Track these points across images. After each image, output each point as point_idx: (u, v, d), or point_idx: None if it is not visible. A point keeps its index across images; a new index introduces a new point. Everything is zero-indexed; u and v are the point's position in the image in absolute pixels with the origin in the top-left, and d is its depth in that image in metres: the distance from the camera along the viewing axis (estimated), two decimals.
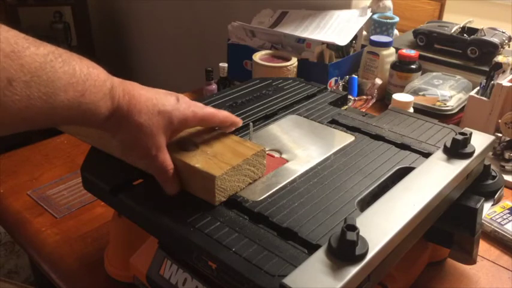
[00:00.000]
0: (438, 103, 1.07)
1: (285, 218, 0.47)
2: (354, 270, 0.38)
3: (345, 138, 0.64)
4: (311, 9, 1.33)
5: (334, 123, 0.68)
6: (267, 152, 0.58)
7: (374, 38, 1.20)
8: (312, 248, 0.43)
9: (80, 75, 0.41)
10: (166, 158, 0.50)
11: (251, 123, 0.63)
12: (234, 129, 0.58)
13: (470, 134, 0.56)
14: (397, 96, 1.00)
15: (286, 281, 0.37)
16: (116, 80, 0.46)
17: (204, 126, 0.56)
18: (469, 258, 0.63)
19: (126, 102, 0.46)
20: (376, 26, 1.32)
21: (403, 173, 0.55)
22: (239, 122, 0.57)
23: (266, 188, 0.53)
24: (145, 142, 0.48)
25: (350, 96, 1.11)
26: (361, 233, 0.39)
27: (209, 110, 0.53)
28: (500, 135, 0.93)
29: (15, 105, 0.37)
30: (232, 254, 0.43)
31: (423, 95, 1.09)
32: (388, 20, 1.30)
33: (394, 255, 0.44)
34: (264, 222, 0.47)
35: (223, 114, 0.55)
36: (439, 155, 0.56)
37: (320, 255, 0.39)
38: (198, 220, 0.47)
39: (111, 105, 0.45)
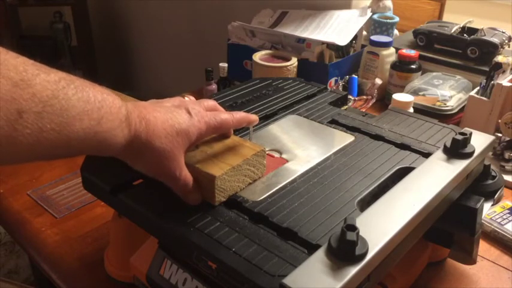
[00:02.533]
0: (438, 103, 1.07)
1: (284, 218, 0.47)
2: (353, 270, 0.38)
3: (344, 138, 0.64)
4: (311, 9, 1.33)
5: (334, 123, 0.68)
6: (267, 152, 0.58)
7: (374, 38, 1.20)
8: (312, 248, 0.43)
9: (95, 102, 0.39)
10: (187, 174, 0.48)
11: None
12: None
13: (470, 134, 0.56)
14: (397, 96, 0.99)
15: (286, 281, 0.37)
16: (130, 106, 0.44)
17: (220, 133, 0.54)
18: (469, 258, 0.63)
19: (143, 129, 0.44)
20: (376, 26, 1.32)
21: (403, 173, 0.55)
22: (256, 119, 0.56)
23: (266, 188, 0.53)
24: (169, 167, 0.46)
25: (350, 96, 1.11)
26: (361, 233, 0.39)
27: (222, 117, 0.51)
28: (500, 135, 0.93)
29: (26, 140, 0.34)
30: (232, 254, 0.43)
31: (423, 95, 1.09)
32: (388, 20, 1.30)
33: (394, 255, 0.44)
34: (264, 222, 0.47)
35: (237, 117, 0.53)
36: (439, 155, 0.56)
37: (320, 255, 0.39)
38: (198, 220, 0.47)
39: (128, 133, 0.43)
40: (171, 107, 0.49)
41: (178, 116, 0.47)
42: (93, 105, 0.39)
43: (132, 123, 0.43)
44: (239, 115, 0.54)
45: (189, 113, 0.48)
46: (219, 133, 0.54)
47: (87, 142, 0.39)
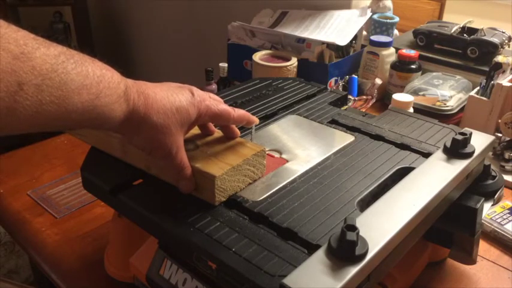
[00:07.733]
0: (438, 103, 1.07)
1: (284, 218, 0.47)
2: (353, 270, 0.38)
3: (344, 138, 0.64)
4: (311, 9, 1.33)
5: (334, 123, 0.68)
6: (267, 152, 0.58)
7: (374, 38, 1.20)
8: (312, 248, 0.43)
9: (93, 76, 0.40)
10: (184, 156, 0.49)
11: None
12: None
13: (470, 134, 0.56)
14: (397, 96, 0.99)
15: (286, 281, 0.37)
16: (130, 82, 0.45)
17: (217, 123, 0.55)
18: (469, 258, 0.63)
19: (142, 103, 0.44)
20: (376, 26, 1.32)
21: (403, 173, 0.55)
22: (255, 120, 0.56)
23: (266, 188, 0.53)
24: (165, 142, 0.47)
25: (350, 96, 1.11)
26: (361, 233, 0.39)
27: (223, 107, 0.51)
28: (500, 135, 0.93)
29: (26, 111, 0.35)
30: (232, 254, 0.43)
31: (423, 95, 1.09)
32: (388, 20, 1.30)
33: (394, 255, 0.44)
34: (264, 222, 0.47)
35: (238, 113, 0.53)
36: (439, 155, 0.56)
37: (320, 255, 0.39)
38: (198, 220, 0.47)
39: (126, 107, 0.43)
40: (174, 87, 0.49)
41: (180, 94, 0.48)
42: (92, 79, 0.39)
43: (131, 98, 0.44)
44: (241, 112, 0.54)
45: (191, 93, 0.49)
46: (218, 123, 0.54)
47: (86, 115, 0.40)
